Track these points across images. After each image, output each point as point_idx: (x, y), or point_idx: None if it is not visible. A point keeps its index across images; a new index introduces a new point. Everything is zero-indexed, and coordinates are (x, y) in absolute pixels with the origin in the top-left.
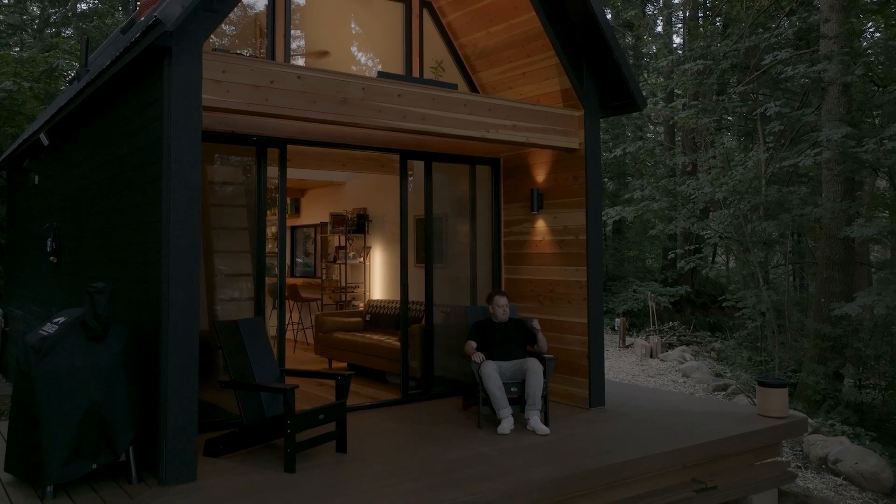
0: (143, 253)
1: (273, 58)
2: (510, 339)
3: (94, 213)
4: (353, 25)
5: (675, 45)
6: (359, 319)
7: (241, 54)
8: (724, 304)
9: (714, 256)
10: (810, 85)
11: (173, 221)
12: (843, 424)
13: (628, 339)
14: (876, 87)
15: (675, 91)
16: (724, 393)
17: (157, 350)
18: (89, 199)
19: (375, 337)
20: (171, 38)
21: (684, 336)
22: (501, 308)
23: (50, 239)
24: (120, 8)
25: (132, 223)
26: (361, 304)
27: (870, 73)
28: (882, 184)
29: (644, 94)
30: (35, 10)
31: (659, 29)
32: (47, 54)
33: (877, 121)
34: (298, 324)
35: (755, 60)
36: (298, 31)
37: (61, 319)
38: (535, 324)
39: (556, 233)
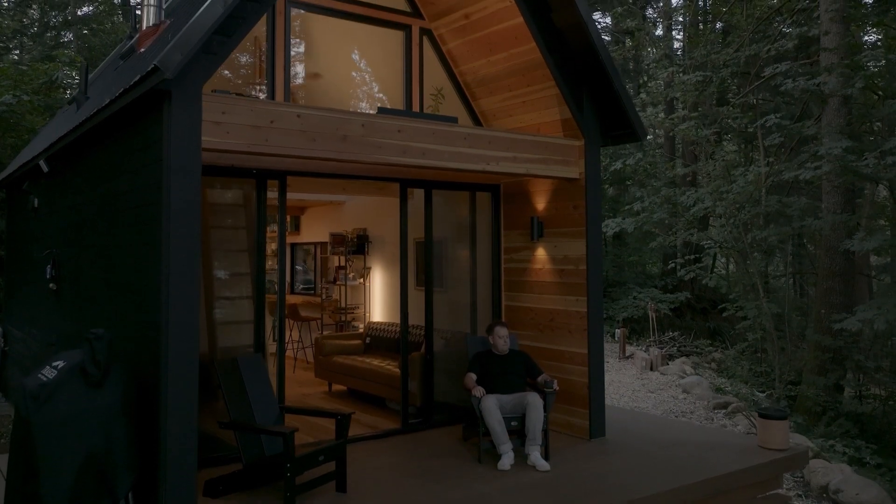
0: (142, 292)
1: (273, 88)
2: (510, 372)
3: (93, 245)
4: (353, 51)
5: (675, 48)
6: (358, 342)
7: (240, 95)
8: (724, 315)
9: (714, 265)
10: (810, 96)
11: (172, 267)
12: (844, 446)
13: (628, 349)
14: (876, 96)
15: (675, 97)
16: (724, 411)
17: (157, 389)
18: (88, 231)
19: (375, 362)
20: (170, 83)
21: (684, 346)
22: (502, 339)
23: (49, 266)
24: (119, 13)
25: (131, 261)
26: (361, 326)
27: (871, 84)
28: (882, 191)
29: (645, 100)
30: (35, 13)
31: (659, 32)
32: (47, 66)
33: (877, 127)
34: (298, 342)
35: (755, 70)
36: (300, 45)
37: (60, 364)
38: (554, 385)
39: (557, 262)
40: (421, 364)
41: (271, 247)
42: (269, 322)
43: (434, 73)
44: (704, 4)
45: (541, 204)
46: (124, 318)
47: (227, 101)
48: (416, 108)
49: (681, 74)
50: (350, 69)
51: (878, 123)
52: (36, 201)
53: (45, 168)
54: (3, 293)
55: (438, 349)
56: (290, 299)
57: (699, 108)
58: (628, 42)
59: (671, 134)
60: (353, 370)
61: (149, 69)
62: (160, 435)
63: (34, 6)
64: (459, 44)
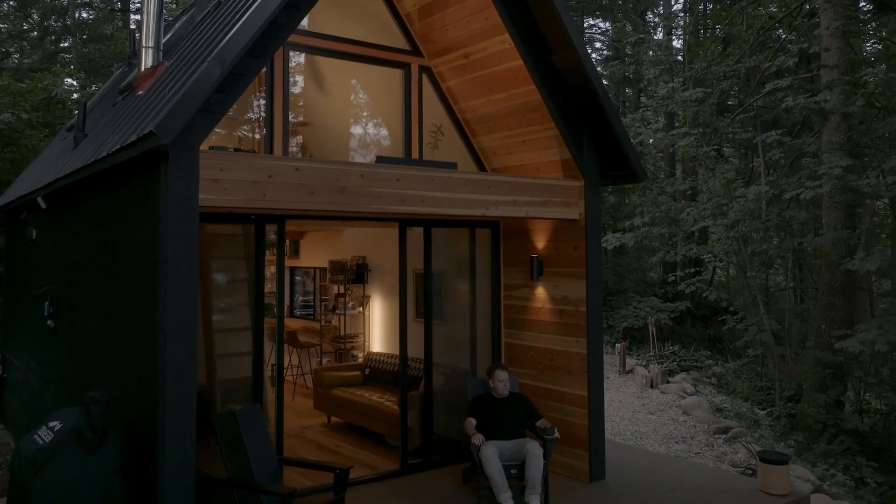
0: (140, 345)
1: (271, 132)
2: (511, 416)
3: (91, 290)
4: (354, 88)
5: (675, 55)
6: (358, 373)
7: (238, 149)
8: (724, 328)
9: (713, 276)
10: (811, 113)
11: (170, 326)
12: (845, 470)
13: (629, 363)
14: (877, 108)
15: (676, 113)
16: (724, 437)
17: (154, 443)
18: (86, 275)
19: (374, 397)
20: (167, 144)
21: (685, 361)
22: (502, 383)
23: (48, 303)
24: (120, 20)
25: (129, 313)
26: (361, 355)
27: (871, 99)
28: (883, 203)
29: (646, 114)
30: (35, 17)
31: (658, 36)
32: (46, 83)
33: (879, 141)
34: (298, 367)
35: (755, 82)
36: (299, 85)
37: (57, 426)
38: (555, 433)
39: (557, 302)
40: (420, 403)
41: (270, 269)
42: (267, 347)
43: (433, 110)
44: (704, 8)
45: (541, 242)
46: (121, 368)
47: (225, 158)
48: (415, 144)
49: (680, 89)
50: (350, 106)
51: (879, 139)
52: (34, 233)
53: (42, 205)
54: (1, 320)
55: (438, 387)
56: (290, 324)
57: (699, 122)
58: (628, 49)
59: (671, 150)
60: (353, 405)
61: (145, 132)
62: (158, 491)
63: (34, 10)
64: (459, 82)
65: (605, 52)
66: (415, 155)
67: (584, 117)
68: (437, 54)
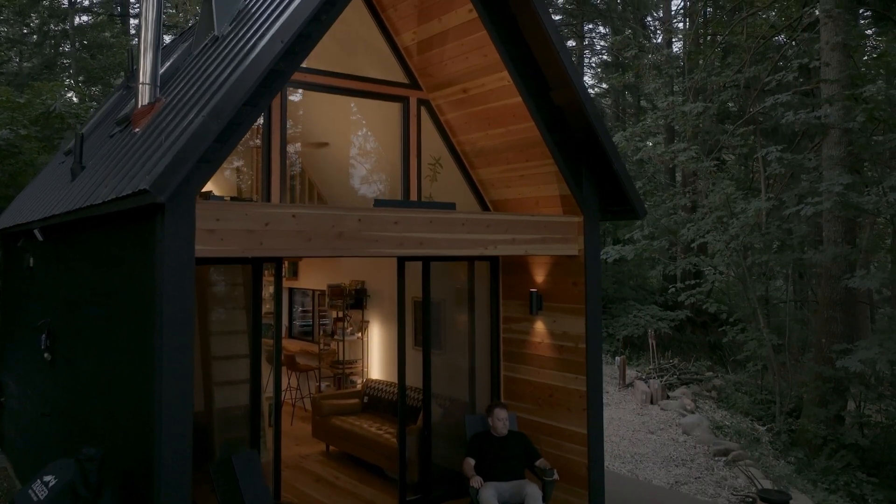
0: (135, 391)
1: (269, 174)
2: (510, 456)
3: (87, 328)
4: (352, 119)
5: (674, 58)
6: (356, 401)
7: (235, 199)
8: (724, 340)
9: (713, 287)
10: (812, 129)
11: (165, 376)
12: (845, 493)
13: (629, 375)
14: (877, 119)
15: (675, 124)
16: (724, 459)
17: (150, 490)
18: (82, 313)
19: (373, 429)
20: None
21: (685, 374)
22: (501, 422)
23: (44, 336)
24: (119, 23)
25: (123, 357)
26: (359, 382)
27: (873, 113)
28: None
29: (646, 127)
30: (34, 21)
31: (658, 39)
32: (44, 97)
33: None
34: (297, 390)
35: (756, 93)
36: (298, 119)
37: (51, 481)
38: (555, 475)
39: (556, 337)
40: (419, 437)
41: (268, 290)
42: (265, 372)
43: (432, 142)
44: (704, 15)
45: (540, 276)
46: (116, 412)
47: (221, 208)
48: (413, 176)
49: (680, 101)
50: (349, 138)
51: (879, 154)
52: (31, 260)
53: (39, 237)
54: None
55: (436, 420)
56: (288, 346)
57: (699, 135)
58: (627, 53)
59: (671, 166)
60: (351, 435)
61: (140, 188)
62: None
63: (34, 14)
64: (457, 115)
65: (604, 55)
66: (413, 186)
67: (584, 154)
68: (435, 88)
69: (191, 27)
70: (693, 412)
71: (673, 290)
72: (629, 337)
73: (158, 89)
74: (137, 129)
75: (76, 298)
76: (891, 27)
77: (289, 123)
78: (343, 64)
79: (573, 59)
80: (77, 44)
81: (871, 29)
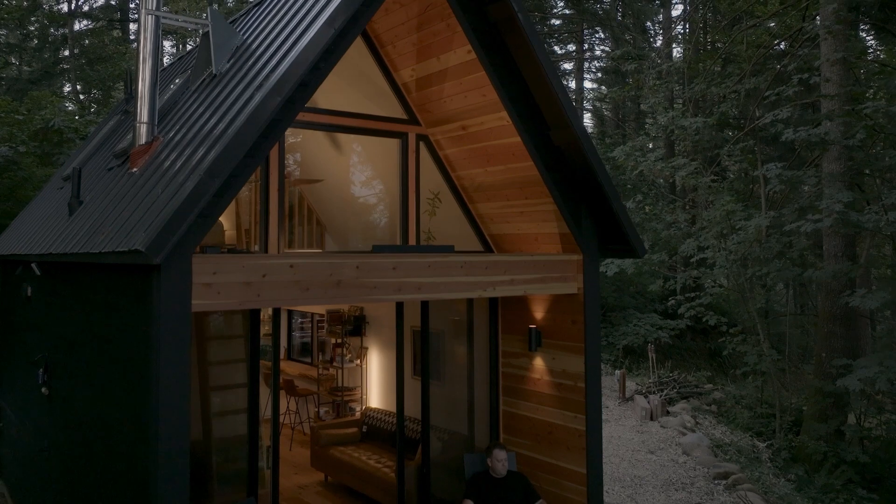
0: (131, 439)
1: (266, 222)
2: (509, 499)
3: (84, 369)
4: (352, 155)
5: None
6: (355, 430)
7: (232, 250)
8: (724, 352)
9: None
10: (811, 145)
11: (162, 429)
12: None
13: (629, 387)
14: (875, 132)
15: (675, 139)
16: (724, 482)
17: None
18: (79, 354)
19: (372, 461)
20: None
21: (685, 387)
22: (500, 462)
23: (42, 370)
24: (118, 28)
25: (120, 403)
26: (358, 410)
27: (873, 130)
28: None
29: (646, 140)
30: (34, 25)
31: (658, 43)
32: (43, 111)
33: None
34: (296, 413)
35: (757, 101)
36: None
37: None
38: None
39: (555, 375)
40: (417, 473)
41: (267, 311)
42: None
43: (431, 176)
44: (704, 25)
45: (539, 313)
46: (113, 457)
47: (218, 261)
48: (412, 211)
49: (680, 113)
50: (348, 167)
51: (879, 171)
52: (29, 290)
53: (37, 272)
54: None
55: (435, 455)
56: (287, 368)
57: (699, 149)
58: (630, 65)
59: (671, 180)
60: (350, 468)
61: (134, 248)
62: None
63: (34, 18)
64: (456, 151)
65: (604, 59)
66: (412, 221)
67: (583, 193)
68: (434, 124)
69: (190, 51)
70: (693, 429)
71: (673, 301)
72: (629, 347)
73: (156, 128)
74: (135, 169)
75: (73, 337)
76: (891, 38)
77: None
78: (341, 100)
79: (572, 62)
80: (77, 50)
81: (870, 35)
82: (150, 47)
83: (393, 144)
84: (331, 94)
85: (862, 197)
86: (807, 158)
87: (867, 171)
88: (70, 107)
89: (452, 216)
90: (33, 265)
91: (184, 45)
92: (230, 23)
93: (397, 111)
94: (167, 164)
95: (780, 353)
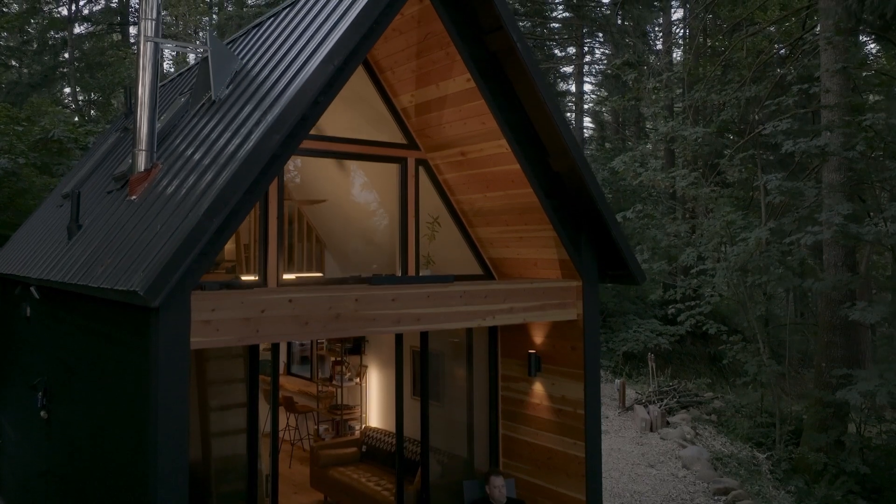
0: (129, 472)
1: (265, 261)
2: None
3: (83, 398)
4: (351, 180)
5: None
6: (355, 450)
7: (231, 286)
8: (724, 361)
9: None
10: (810, 157)
11: (160, 465)
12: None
13: (629, 395)
14: (878, 141)
15: (675, 148)
16: (724, 498)
17: None
18: (78, 383)
19: (371, 484)
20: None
21: (685, 396)
22: (498, 489)
23: (41, 394)
24: (118, 32)
25: (119, 435)
26: (358, 429)
27: (872, 143)
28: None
29: (645, 151)
30: (34, 28)
31: (658, 46)
32: (43, 123)
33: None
34: (295, 429)
35: (757, 109)
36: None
37: None
38: None
39: (555, 400)
40: (417, 499)
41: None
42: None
43: (431, 200)
44: (704, 30)
45: (539, 338)
46: (112, 489)
47: (217, 298)
48: (411, 236)
49: (680, 121)
50: (348, 193)
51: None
52: (28, 310)
53: (36, 295)
54: None
55: (435, 479)
56: (286, 384)
57: (699, 159)
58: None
59: (671, 191)
60: (349, 490)
61: (132, 289)
62: None
63: (34, 21)
64: (456, 176)
65: (604, 62)
66: (411, 246)
67: (582, 220)
68: (433, 149)
69: (190, 67)
70: (693, 441)
71: (673, 310)
72: (628, 353)
73: (155, 153)
74: (134, 197)
75: (72, 363)
76: (891, 46)
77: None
78: (340, 124)
79: (572, 66)
80: (77, 53)
81: (870, 40)
82: (149, 74)
83: (392, 168)
84: (330, 118)
85: (863, 208)
86: (808, 166)
87: (867, 182)
88: (70, 107)
89: (452, 240)
90: (32, 289)
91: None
92: (229, 42)
93: (396, 136)
94: (166, 194)
95: (781, 357)
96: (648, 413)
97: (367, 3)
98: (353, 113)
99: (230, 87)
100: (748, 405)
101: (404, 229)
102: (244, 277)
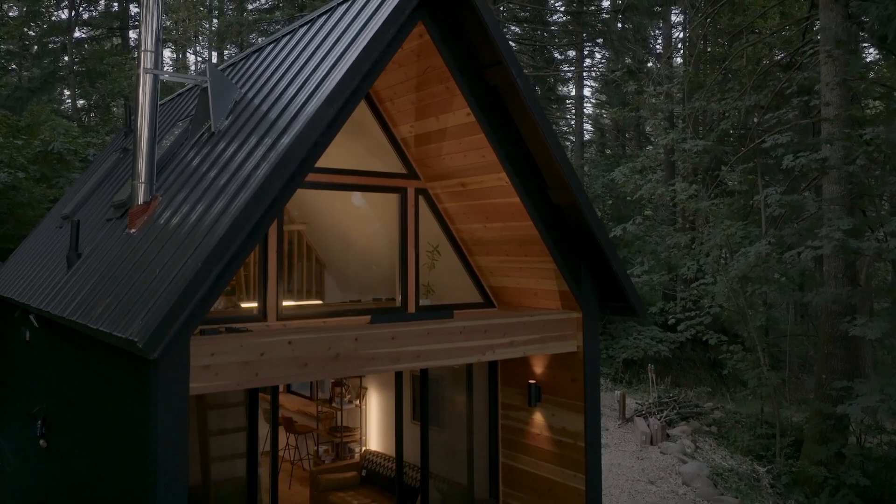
0: None
1: (265, 301)
2: None
3: (82, 431)
4: (352, 204)
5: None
6: (355, 474)
7: (230, 329)
8: (724, 371)
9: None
10: (811, 171)
11: None
12: None
13: (629, 405)
14: (877, 154)
15: (673, 159)
16: None
17: None
18: (77, 416)
19: None
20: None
21: (685, 407)
22: None
23: (40, 423)
24: (118, 36)
25: (118, 474)
26: (358, 451)
27: (873, 156)
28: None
29: (645, 162)
30: (34, 32)
31: (659, 49)
32: (43, 136)
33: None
34: (295, 449)
35: (759, 117)
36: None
37: None
38: None
39: (555, 431)
40: None
41: None
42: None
43: (430, 228)
44: (704, 39)
45: (539, 368)
46: None
47: (216, 343)
48: (411, 265)
49: (679, 130)
50: (348, 216)
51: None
52: (28, 334)
53: (35, 324)
54: None
55: None
56: (285, 402)
57: (699, 172)
58: (630, 86)
59: (671, 204)
60: None
61: (131, 338)
62: None
63: (34, 25)
64: (456, 206)
65: (603, 66)
66: (411, 275)
67: (583, 252)
68: (433, 178)
69: (190, 88)
70: (693, 455)
71: (673, 320)
72: (628, 360)
73: (154, 184)
74: (133, 230)
75: (71, 395)
76: (890, 55)
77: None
78: (340, 153)
79: (571, 69)
80: (77, 57)
81: (869, 45)
82: (148, 107)
83: (392, 197)
84: (329, 147)
85: (863, 221)
86: (809, 176)
87: (868, 195)
88: (69, 114)
89: (452, 268)
90: (31, 317)
91: (183, 54)
92: (229, 66)
93: (396, 165)
94: (166, 230)
95: (781, 363)
96: (649, 426)
97: (366, 45)
98: (352, 141)
99: (230, 117)
100: (748, 416)
101: (404, 259)
102: (244, 305)
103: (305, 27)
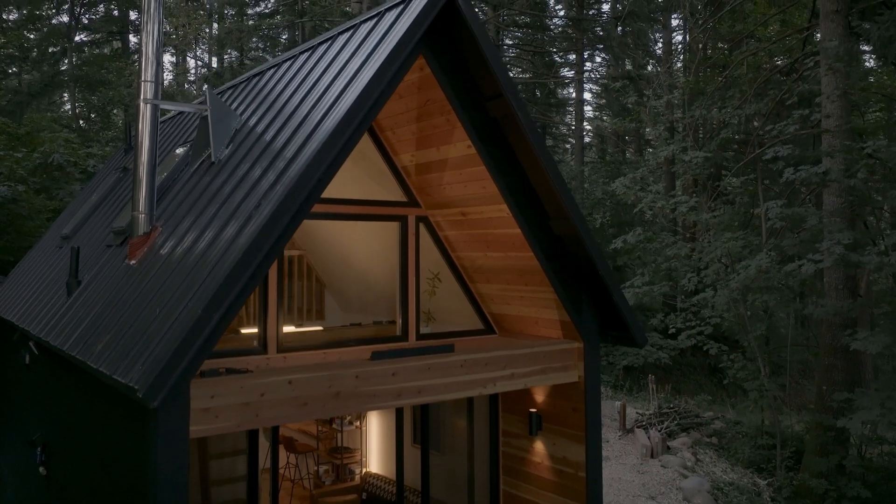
0: None
1: (265, 334)
2: None
3: (82, 464)
4: (351, 234)
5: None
6: (355, 496)
7: (231, 370)
8: (725, 381)
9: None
10: (810, 185)
11: None
12: None
13: (629, 415)
14: (876, 160)
15: (674, 170)
16: None
17: None
18: (77, 445)
19: None
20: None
21: (686, 417)
22: None
23: (40, 450)
24: (118, 40)
25: None
26: (358, 473)
27: (872, 167)
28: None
29: (646, 174)
30: (34, 35)
31: (659, 51)
32: (43, 148)
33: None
34: (295, 467)
35: (761, 124)
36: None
37: None
38: None
39: (556, 461)
40: None
41: None
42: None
43: (431, 255)
44: (705, 48)
45: (540, 396)
46: None
47: (216, 385)
48: (411, 293)
49: (681, 138)
50: (348, 238)
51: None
52: (27, 358)
53: (35, 351)
54: None
55: None
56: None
57: (699, 184)
58: (629, 98)
59: (672, 216)
60: None
61: (132, 384)
62: None
63: (34, 28)
64: (456, 234)
65: (604, 69)
66: (412, 303)
67: (583, 281)
68: (434, 206)
69: (191, 116)
70: (693, 469)
71: (674, 330)
72: (629, 367)
73: (154, 213)
74: (133, 262)
75: (71, 426)
76: (890, 65)
77: None
78: (340, 180)
79: (571, 71)
80: (76, 61)
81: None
82: (147, 137)
83: (393, 225)
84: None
85: (864, 234)
86: (810, 185)
87: (869, 206)
88: (68, 114)
89: (453, 294)
90: (31, 344)
91: (183, 59)
92: (230, 88)
93: (397, 193)
94: (167, 263)
95: (782, 370)
96: (649, 438)
97: (367, 85)
98: (353, 169)
99: (230, 146)
100: (749, 426)
101: (405, 286)
102: (243, 330)
103: (306, 54)
